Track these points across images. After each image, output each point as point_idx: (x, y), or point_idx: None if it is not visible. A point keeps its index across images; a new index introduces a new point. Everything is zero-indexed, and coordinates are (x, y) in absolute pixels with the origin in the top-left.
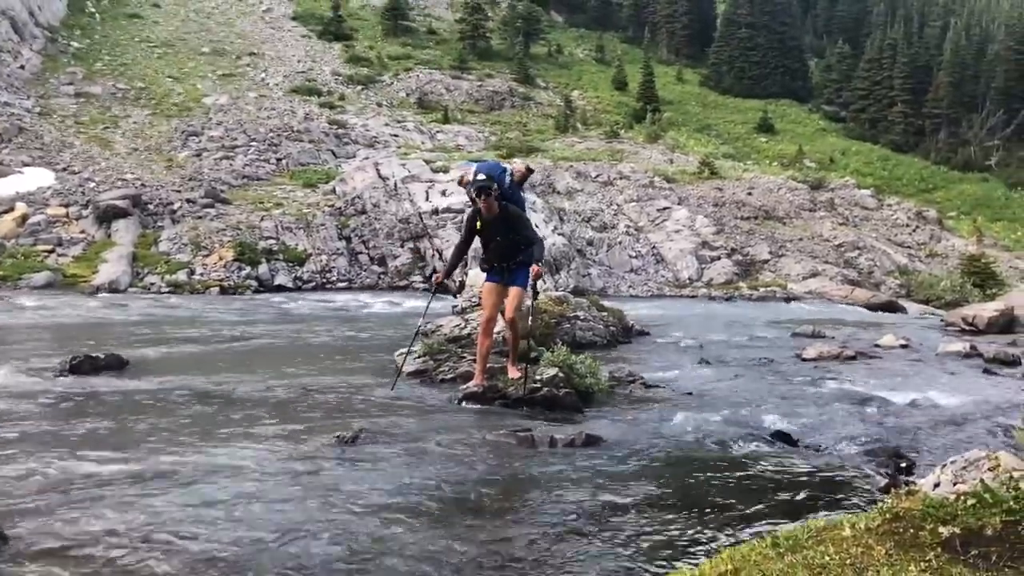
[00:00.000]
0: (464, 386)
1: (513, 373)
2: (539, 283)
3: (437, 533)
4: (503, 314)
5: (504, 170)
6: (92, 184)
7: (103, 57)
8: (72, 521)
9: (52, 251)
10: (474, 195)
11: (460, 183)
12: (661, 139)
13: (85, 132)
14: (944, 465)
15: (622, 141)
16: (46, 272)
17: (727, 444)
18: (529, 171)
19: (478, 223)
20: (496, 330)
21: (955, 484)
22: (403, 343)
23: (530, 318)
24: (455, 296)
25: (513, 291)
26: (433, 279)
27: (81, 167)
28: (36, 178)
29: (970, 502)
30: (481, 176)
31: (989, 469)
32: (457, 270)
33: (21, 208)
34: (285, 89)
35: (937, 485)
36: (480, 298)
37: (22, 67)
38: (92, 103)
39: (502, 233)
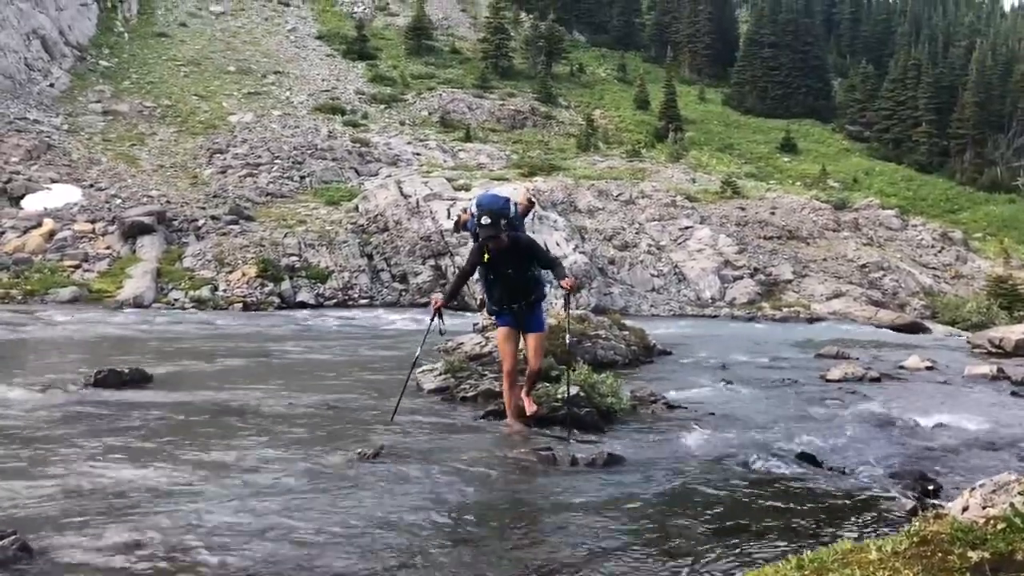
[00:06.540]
0: (504, 422)
1: (530, 408)
2: (572, 298)
3: (457, 550)
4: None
5: (507, 200)
6: (118, 200)
7: (131, 75)
8: (96, 535)
9: (78, 266)
10: (484, 242)
11: (456, 227)
12: (683, 158)
13: (112, 149)
14: (973, 488)
15: (644, 160)
16: (72, 287)
17: (750, 465)
18: (531, 204)
19: (485, 256)
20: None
21: (984, 508)
22: (423, 361)
23: (567, 335)
24: (441, 321)
25: (534, 339)
26: (432, 303)
27: (108, 184)
28: (64, 194)
29: (1000, 526)
30: (485, 220)
31: (1019, 493)
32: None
33: (48, 224)
34: (309, 107)
35: (965, 509)
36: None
37: (51, 85)
38: (119, 121)
39: (514, 266)
